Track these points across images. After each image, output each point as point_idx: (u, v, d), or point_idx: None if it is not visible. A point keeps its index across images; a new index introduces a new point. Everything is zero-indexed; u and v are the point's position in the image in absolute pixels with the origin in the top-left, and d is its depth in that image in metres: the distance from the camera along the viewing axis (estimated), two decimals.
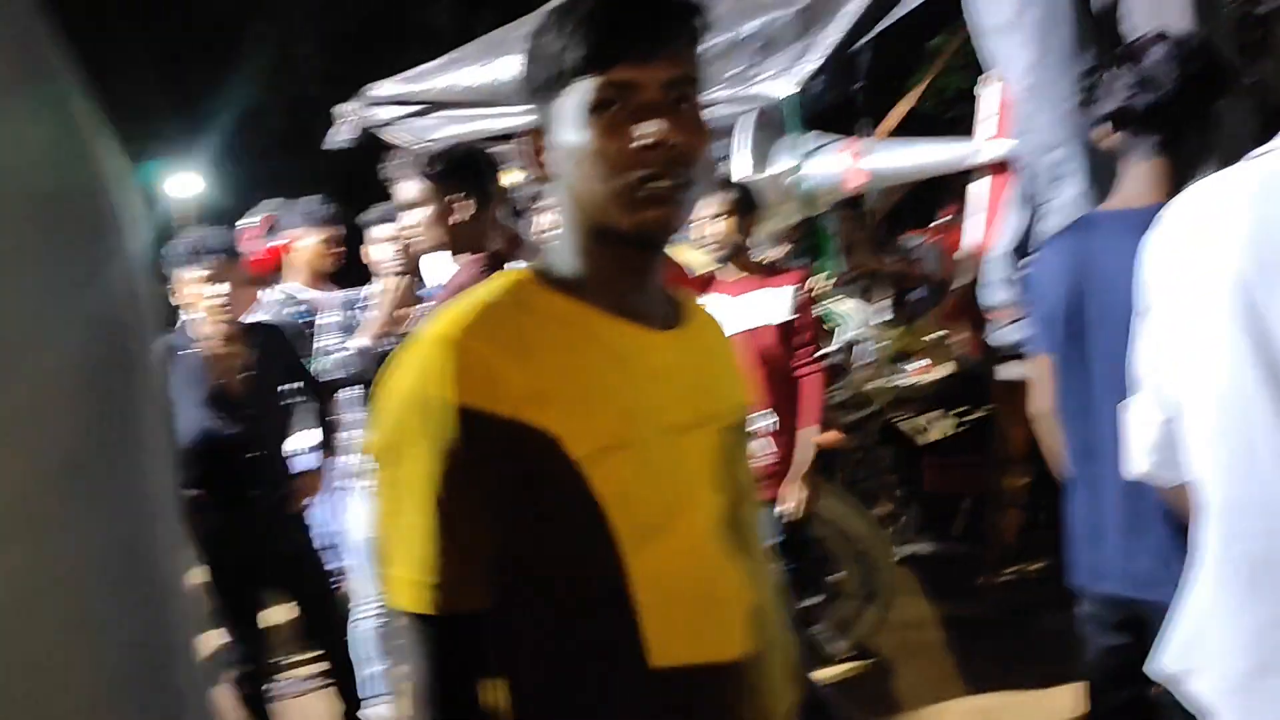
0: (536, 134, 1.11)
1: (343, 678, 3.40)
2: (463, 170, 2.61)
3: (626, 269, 1.11)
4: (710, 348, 1.24)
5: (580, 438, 1.02)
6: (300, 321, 3.79)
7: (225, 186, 9.68)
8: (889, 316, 4.71)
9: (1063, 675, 2.35)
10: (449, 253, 2.64)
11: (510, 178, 4.02)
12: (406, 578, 1.03)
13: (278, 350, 3.37)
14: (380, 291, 3.41)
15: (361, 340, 3.32)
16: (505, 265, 2.72)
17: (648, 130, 1.01)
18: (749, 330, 3.32)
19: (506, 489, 1.01)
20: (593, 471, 1.02)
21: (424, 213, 2.57)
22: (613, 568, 1.04)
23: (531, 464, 1.01)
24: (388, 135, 4.18)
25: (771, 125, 3.83)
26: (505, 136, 4.02)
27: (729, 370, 1.27)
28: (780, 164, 3.85)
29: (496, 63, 3.93)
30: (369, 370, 3.32)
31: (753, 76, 3.56)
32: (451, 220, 2.59)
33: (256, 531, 3.23)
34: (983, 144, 3.60)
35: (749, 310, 3.35)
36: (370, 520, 1.07)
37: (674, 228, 1.07)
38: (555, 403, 1.02)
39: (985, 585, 4.42)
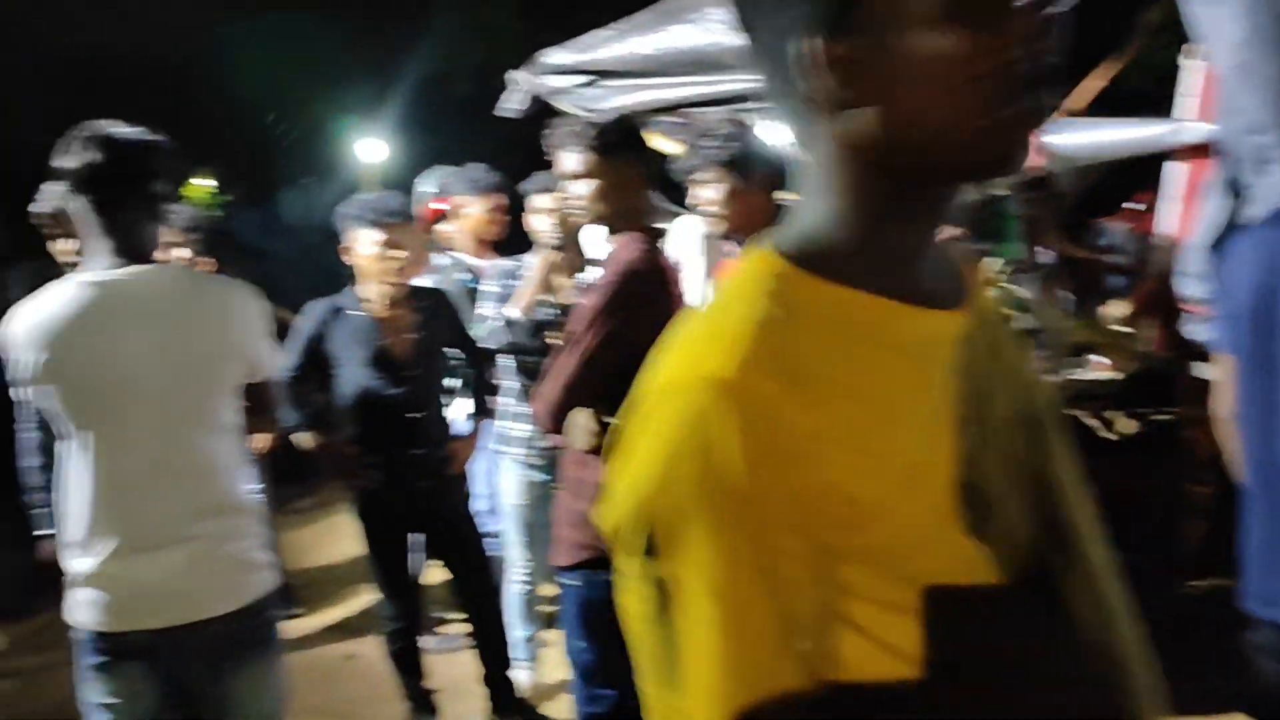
0: (831, 45, 0.77)
1: (489, 640, 3.47)
2: (629, 144, 2.58)
3: (923, 230, 0.84)
4: (1000, 319, 0.96)
5: (911, 502, 0.76)
6: (465, 287, 3.87)
7: (412, 152, 10.01)
8: (1072, 306, 4.43)
9: (1237, 703, 2.16)
10: (605, 227, 2.61)
11: (667, 148, 3.99)
12: (697, 710, 0.74)
13: (442, 314, 3.44)
14: (534, 263, 3.43)
15: (512, 311, 3.35)
16: (659, 242, 2.68)
17: (1039, 32, 0.74)
18: None
19: (824, 580, 0.74)
20: (922, 545, 0.77)
21: (587, 185, 2.55)
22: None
23: (845, 539, 0.74)
24: (558, 104, 4.18)
25: None
26: (672, 108, 3.97)
27: (1020, 347, 0.97)
28: None
29: (667, 31, 3.87)
30: (520, 341, 3.36)
31: None
32: (616, 194, 2.57)
33: (415, 491, 3.33)
34: (1180, 124, 3.32)
35: None
36: (628, 626, 0.80)
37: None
38: (876, 465, 0.76)
39: (1164, 598, 4.14)
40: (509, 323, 3.34)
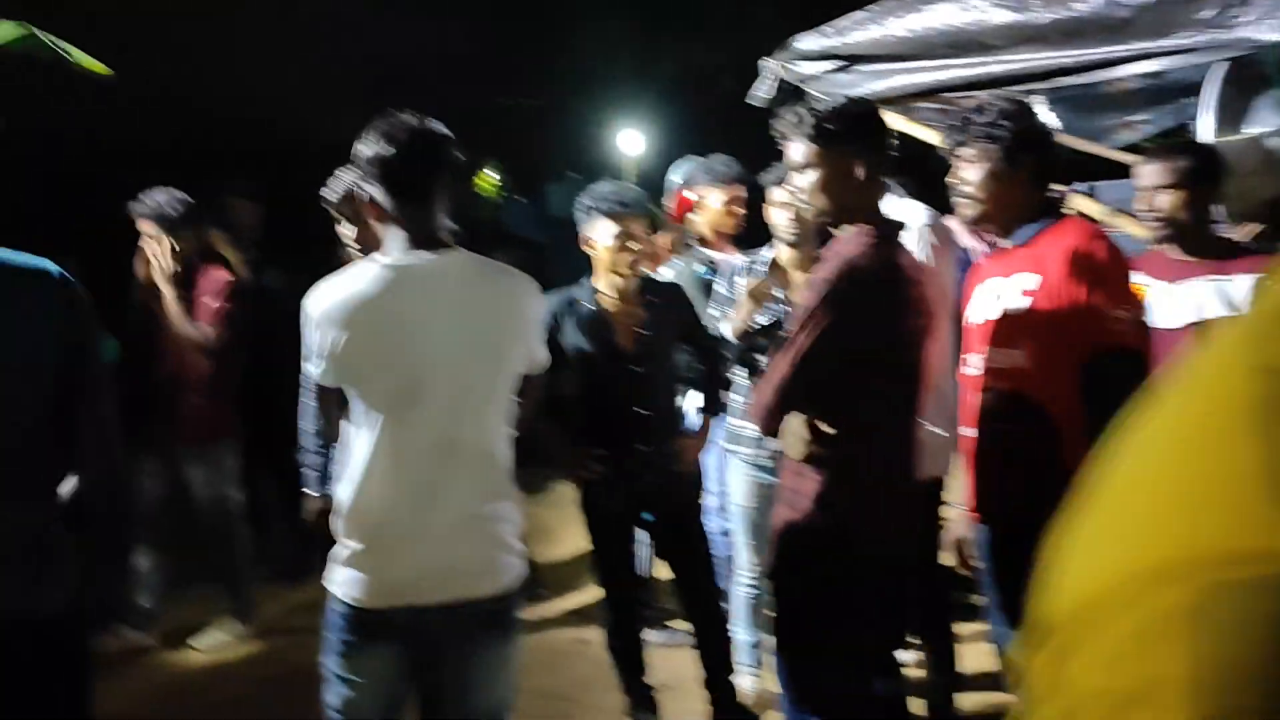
0: None
1: (711, 643, 3.39)
2: (853, 131, 2.40)
3: None
4: None
5: None
6: (702, 280, 3.79)
7: (675, 145, 10.07)
8: None
9: None
10: (829, 220, 2.45)
11: (928, 137, 3.73)
12: None
13: (674, 308, 3.37)
14: (768, 258, 3.29)
15: (727, 330, 3.24)
16: (895, 236, 2.48)
17: None
18: (1192, 325, 2.79)
19: None
20: None
21: (811, 176, 2.40)
22: None
23: None
24: (809, 90, 4.01)
25: (1249, 78, 3.18)
26: (932, 92, 3.71)
27: None
28: (1259, 125, 3.19)
29: (927, 11, 3.62)
30: (734, 360, 3.25)
31: (1230, 20, 2.96)
32: (837, 186, 2.39)
33: (639, 487, 3.29)
34: None
35: (1190, 300, 2.82)
36: None
37: None
38: None
39: None
40: (720, 340, 3.24)
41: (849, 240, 2.36)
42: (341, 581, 2.16)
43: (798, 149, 2.40)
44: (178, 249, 4.16)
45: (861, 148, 2.38)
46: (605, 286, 3.28)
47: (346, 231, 3.01)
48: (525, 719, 3.66)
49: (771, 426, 2.35)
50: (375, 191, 2.15)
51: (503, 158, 13.39)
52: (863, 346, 2.27)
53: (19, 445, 1.79)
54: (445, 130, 2.19)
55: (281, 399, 4.00)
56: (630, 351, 3.25)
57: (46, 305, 1.82)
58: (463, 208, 4.02)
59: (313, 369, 2.20)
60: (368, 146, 2.13)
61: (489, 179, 15.12)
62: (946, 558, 3.04)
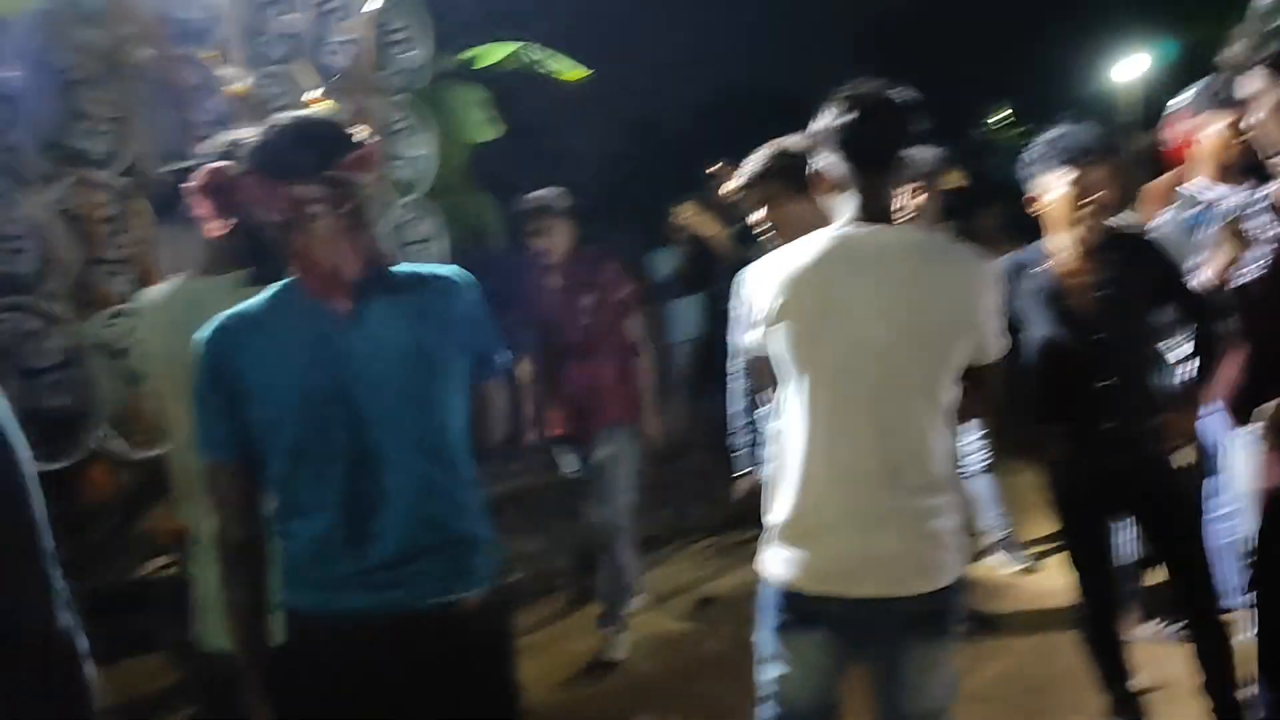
0: None
1: (1207, 643, 2.95)
2: None
3: None
4: None
5: None
6: (1192, 226, 3.27)
7: (1181, 71, 8.74)
8: None
9: None
10: None
11: None
12: None
13: (1144, 264, 2.95)
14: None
15: (1201, 278, 2.71)
16: None
17: None
18: None
19: None
20: None
21: (1265, 110, 1.97)
22: None
23: None
24: None
25: None
26: None
27: None
28: None
29: None
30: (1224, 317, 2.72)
31: None
32: None
33: (1109, 467, 2.94)
34: None
35: None
36: None
37: None
38: None
39: None
40: (1189, 303, 2.75)
41: None
42: (771, 561, 2.16)
43: (1251, 79, 1.97)
44: (571, 239, 4.45)
45: None
46: (1057, 246, 2.95)
47: (754, 218, 2.92)
48: (1003, 706, 3.49)
49: (1242, 409, 1.97)
50: (833, 161, 2.10)
51: (1014, 100, 12.67)
52: None
53: (447, 448, 1.92)
54: (908, 98, 2.11)
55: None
56: (1089, 318, 2.89)
57: (457, 312, 1.94)
58: (974, 158, 3.80)
59: (745, 337, 2.19)
60: (830, 114, 2.10)
61: (999, 126, 14.38)
62: None
